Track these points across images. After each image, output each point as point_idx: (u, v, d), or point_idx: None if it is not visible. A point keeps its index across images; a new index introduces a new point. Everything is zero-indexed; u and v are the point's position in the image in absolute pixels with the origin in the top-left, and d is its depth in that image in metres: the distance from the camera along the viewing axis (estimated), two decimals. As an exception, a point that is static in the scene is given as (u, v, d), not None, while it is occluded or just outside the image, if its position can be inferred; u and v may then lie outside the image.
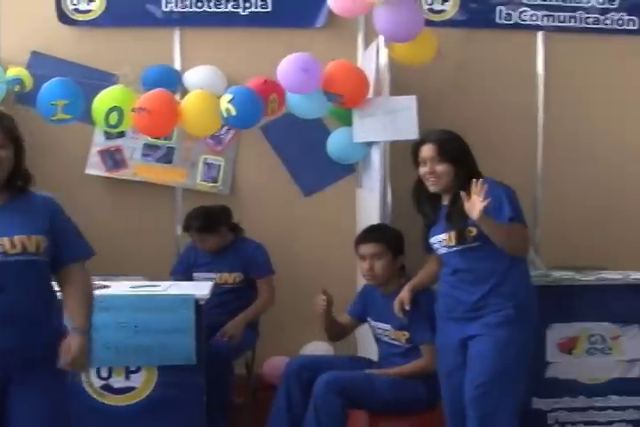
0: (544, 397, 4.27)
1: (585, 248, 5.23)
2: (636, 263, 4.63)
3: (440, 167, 3.53)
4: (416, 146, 3.63)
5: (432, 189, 3.59)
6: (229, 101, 4.29)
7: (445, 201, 3.62)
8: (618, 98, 5.47)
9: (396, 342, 4.03)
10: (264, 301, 4.72)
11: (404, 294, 3.84)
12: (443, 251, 3.61)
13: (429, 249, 3.71)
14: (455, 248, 3.54)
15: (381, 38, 4.40)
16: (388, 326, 4.04)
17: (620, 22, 5.42)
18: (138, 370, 3.93)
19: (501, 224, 3.40)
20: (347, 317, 4.23)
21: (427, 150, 3.56)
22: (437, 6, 5.25)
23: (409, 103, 4.34)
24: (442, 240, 3.58)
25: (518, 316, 3.47)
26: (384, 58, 4.40)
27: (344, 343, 4.80)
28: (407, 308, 3.81)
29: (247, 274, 4.74)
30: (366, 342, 4.48)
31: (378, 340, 4.16)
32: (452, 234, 3.52)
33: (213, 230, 4.65)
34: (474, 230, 3.47)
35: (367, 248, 3.99)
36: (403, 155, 4.50)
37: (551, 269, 4.61)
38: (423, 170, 3.57)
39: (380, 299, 4.08)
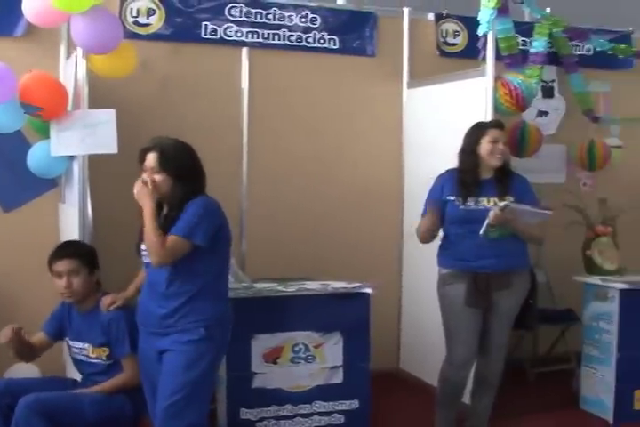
0: (252, 407, 4.35)
1: (291, 259, 5.37)
2: (339, 273, 4.81)
3: (158, 177, 3.51)
4: (143, 152, 3.57)
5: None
6: None
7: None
8: (319, 113, 5.70)
9: (95, 361, 3.96)
10: None
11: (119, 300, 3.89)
12: (146, 260, 3.58)
13: (139, 253, 3.65)
14: None
15: (80, 50, 4.31)
16: (86, 345, 3.97)
17: (322, 41, 5.66)
18: None
19: None
20: (41, 335, 4.09)
21: (149, 159, 3.53)
22: (143, 19, 5.23)
23: (108, 117, 4.27)
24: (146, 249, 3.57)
25: (209, 334, 3.49)
26: (82, 70, 4.31)
27: (51, 364, 4.66)
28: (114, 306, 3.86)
29: None
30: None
31: (75, 360, 4.07)
32: None
33: None
34: None
35: (63, 265, 3.90)
36: (105, 169, 4.47)
37: (256, 281, 4.67)
38: (144, 176, 3.54)
39: (78, 318, 4.00)
